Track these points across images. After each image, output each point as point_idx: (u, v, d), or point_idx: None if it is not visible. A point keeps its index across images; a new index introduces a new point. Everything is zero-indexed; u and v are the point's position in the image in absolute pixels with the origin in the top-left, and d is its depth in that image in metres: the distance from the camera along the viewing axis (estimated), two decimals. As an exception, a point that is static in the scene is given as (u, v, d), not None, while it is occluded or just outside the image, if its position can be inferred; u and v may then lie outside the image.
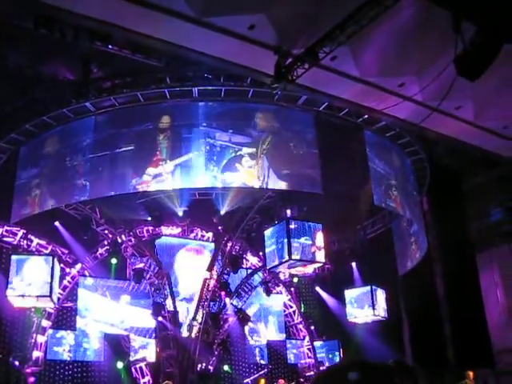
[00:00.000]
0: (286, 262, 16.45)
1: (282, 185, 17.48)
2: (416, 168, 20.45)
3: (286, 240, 16.26)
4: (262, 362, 23.92)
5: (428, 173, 20.45)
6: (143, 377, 20.92)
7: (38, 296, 17.04)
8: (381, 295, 20.86)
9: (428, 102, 15.50)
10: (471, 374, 17.34)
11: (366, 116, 17.93)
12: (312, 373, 22.31)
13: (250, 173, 17.13)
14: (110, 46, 15.34)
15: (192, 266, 22.29)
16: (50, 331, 20.34)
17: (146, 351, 21.28)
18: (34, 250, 20.20)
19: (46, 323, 20.17)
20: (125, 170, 17.25)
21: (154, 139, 17.38)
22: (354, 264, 23.47)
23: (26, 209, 18.46)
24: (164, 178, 16.98)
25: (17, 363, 19.14)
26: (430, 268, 21.07)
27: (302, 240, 16.30)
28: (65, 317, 21.23)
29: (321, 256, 16.59)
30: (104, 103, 17.48)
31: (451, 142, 18.40)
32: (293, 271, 18.56)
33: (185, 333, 20.02)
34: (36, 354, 19.75)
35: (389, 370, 1.68)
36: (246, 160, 17.14)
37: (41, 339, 19.99)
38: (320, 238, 16.62)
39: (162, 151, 17.19)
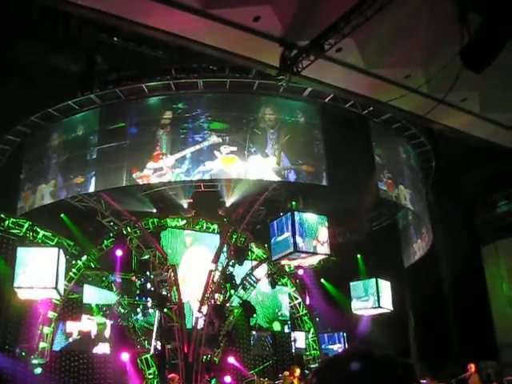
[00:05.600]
0: (291, 253, 16.45)
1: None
2: (421, 160, 20.42)
3: (291, 232, 16.27)
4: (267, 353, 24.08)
5: (433, 165, 20.41)
6: (149, 368, 21.02)
7: (43, 288, 17.09)
8: (386, 287, 20.87)
9: (433, 94, 15.42)
10: (473, 366, 17.40)
11: (372, 108, 17.87)
12: (317, 365, 22.36)
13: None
14: (115, 38, 15.35)
15: (197, 257, 22.35)
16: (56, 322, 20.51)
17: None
18: (39, 241, 20.32)
19: (52, 314, 20.29)
20: (126, 163, 17.27)
21: (154, 134, 17.39)
22: (359, 256, 23.50)
23: (30, 201, 18.57)
24: (165, 172, 16.98)
25: (23, 354, 19.29)
26: (435, 260, 21.07)
27: (307, 232, 16.30)
28: (71, 308, 21.35)
29: (323, 249, 16.58)
30: (109, 95, 17.49)
31: (457, 133, 18.33)
32: (298, 263, 18.54)
33: (190, 324, 20.09)
34: (42, 345, 19.89)
35: (392, 361, 1.68)
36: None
37: (47, 330, 20.13)
38: (323, 232, 16.61)
39: (162, 146, 17.18)
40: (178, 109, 17.52)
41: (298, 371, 16.79)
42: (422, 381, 16.71)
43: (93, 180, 17.48)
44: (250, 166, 17.05)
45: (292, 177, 17.43)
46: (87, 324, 21.16)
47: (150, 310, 21.55)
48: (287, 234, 16.46)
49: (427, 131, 19.12)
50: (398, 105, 16.53)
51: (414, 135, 19.37)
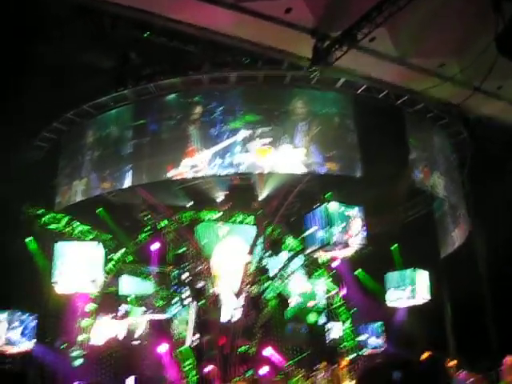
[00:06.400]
0: (326, 245, 16.39)
1: (330, 164, 17.40)
2: (457, 149, 20.14)
3: (325, 224, 16.20)
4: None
5: (470, 153, 20.12)
6: (186, 360, 21.15)
7: (82, 281, 17.34)
8: (422, 278, 20.65)
9: (469, 82, 15.19)
10: (509, 360, 17.10)
11: (406, 97, 17.70)
12: (353, 355, 22.30)
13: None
14: (147, 34, 15.44)
15: (232, 250, 22.44)
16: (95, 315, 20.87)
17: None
18: (77, 236, 20.63)
19: (90, 307, 20.62)
20: (162, 159, 17.40)
21: (184, 129, 17.44)
22: (395, 246, 23.31)
23: (66, 196, 18.86)
24: (200, 168, 17.05)
25: (63, 347, 19.65)
26: (473, 250, 20.77)
27: (340, 224, 16.21)
28: (108, 301, 21.63)
29: (357, 241, 16.44)
30: (143, 91, 17.61)
31: (494, 121, 18.05)
32: (332, 254, 18.45)
33: (226, 316, 20.21)
34: (81, 337, 20.25)
35: (431, 370, 1.69)
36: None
37: (85, 323, 20.47)
38: (357, 224, 16.48)
39: (195, 141, 17.22)
40: (208, 103, 17.56)
41: (345, 362, 16.80)
42: (459, 372, 16.57)
43: (129, 174, 17.65)
44: (281, 159, 17.04)
45: (322, 170, 17.41)
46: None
47: (186, 301, 21.71)
48: (321, 226, 16.38)
49: (463, 119, 18.83)
50: (432, 94, 16.36)
51: (449, 124, 19.12)
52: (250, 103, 17.67)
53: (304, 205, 19.72)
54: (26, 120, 15.94)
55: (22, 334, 18.02)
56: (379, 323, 23.17)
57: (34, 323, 18.57)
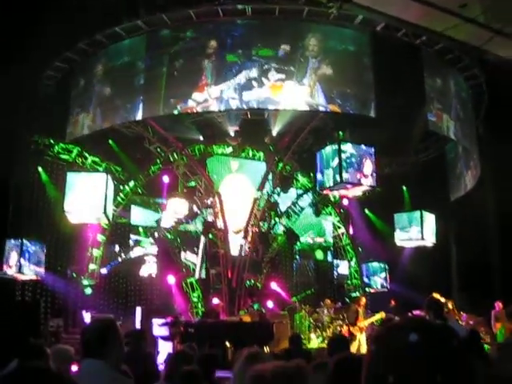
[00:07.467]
0: (337, 184, 16.33)
1: (333, 107, 17.18)
2: (474, 92, 19.84)
3: (337, 162, 16.09)
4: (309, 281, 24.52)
5: (486, 97, 19.82)
6: (193, 291, 21.60)
7: (92, 212, 17.47)
8: (430, 220, 20.69)
9: (490, 24, 14.87)
10: (500, 304, 17.42)
11: (425, 37, 17.33)
12: (358, 293, 22.64)
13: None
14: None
15: (242, 185, 22.52)
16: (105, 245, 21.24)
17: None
18: (88, 167, 20.71)
19: (100, 238, 20.93)
20: (173, 92, 17.21)
21: (199, 63, 17.19)
22: (404, 187, 23.32)
23: (77, 127, 18.84)
24: (209, 103, 16.89)
25: (74, 275, 20.04)
26: (483, 195, 20.74)
27: (352, 164, 16.10)
28: (119, 232, 21.93)
29: (368, 181, 16.37)
30: (156, 21, 17.30)
31: (512, 65, 17.70)
32: (343, 193, 18.42)
33: (234, 250, 20.46)
34: (92, 267, 20.64)
35: (448, 332, 1.70)
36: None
37: (96, 253, 20.83)
38: (368, 164, 16.37)
39: (208, 76, 16.98)
40: (222, 37, 17.24)
41: (363, 300, 16.99)
42: (460, 314, 16.86)
43: (140, 106, 17.55)
44: (292, 96, 16.83)
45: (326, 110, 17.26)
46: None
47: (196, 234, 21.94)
48: (333, 165, 16.30)
49: (481, 62, 18.48)
50: (452, 34, 16.04)
51: (467, 67, 18.76)
52: (265, 38, 17.34)
53: (316, 142, 19.61)
54: (40, 50, 15.71)
55: (33, 262, 18.36)
56: (383, 263, 23.41)
57: (44, 252, 18.90)
